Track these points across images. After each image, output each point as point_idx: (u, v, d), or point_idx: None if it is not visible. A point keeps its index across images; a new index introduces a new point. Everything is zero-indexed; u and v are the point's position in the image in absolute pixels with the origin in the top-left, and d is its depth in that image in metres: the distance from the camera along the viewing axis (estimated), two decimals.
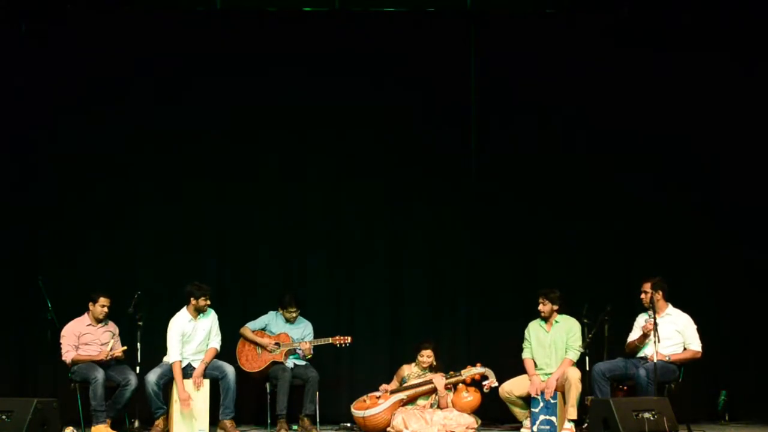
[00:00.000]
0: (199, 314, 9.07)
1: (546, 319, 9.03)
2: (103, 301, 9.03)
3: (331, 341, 9.31)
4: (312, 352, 9.28)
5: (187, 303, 9.09)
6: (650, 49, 10.16)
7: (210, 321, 9.12)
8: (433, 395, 9.05)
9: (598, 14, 10.23)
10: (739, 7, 10.06)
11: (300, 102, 10.18)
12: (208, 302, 9.07)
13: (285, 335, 9.35)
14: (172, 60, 10.10)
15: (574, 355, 8.89)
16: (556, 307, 8.98)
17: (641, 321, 8.95)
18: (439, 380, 9.01)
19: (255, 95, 10.16)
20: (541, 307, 8.99)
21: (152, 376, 8.88)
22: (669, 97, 10.16)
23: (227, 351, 9.26)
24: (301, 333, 9.42)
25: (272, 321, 9.45)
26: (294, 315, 9.41)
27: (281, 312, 9.45)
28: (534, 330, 9.07)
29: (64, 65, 10.04)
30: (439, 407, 8.96)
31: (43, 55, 10.04)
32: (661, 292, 8.81)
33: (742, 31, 10.10)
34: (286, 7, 10.25)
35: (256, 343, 9.33)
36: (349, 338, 9.32)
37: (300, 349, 9.28)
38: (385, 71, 10.20)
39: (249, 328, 9.42)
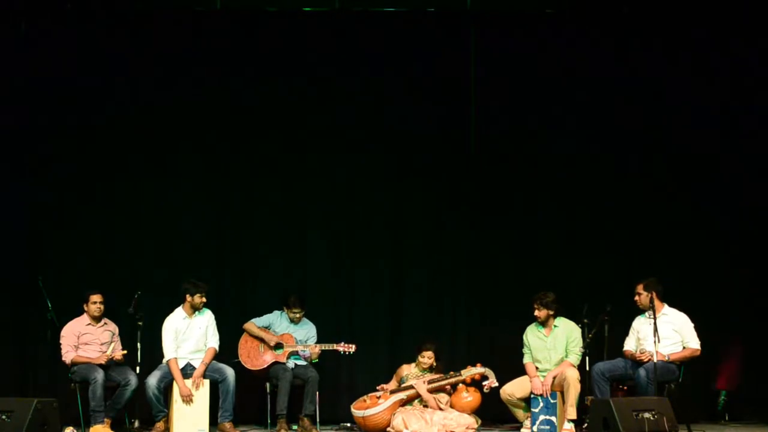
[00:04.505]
0: (194, 312, 9.08)
1: (543, 324, 9.01)
2: (94, 298, 9.04)
3: (335, 347, 9.29)
4: (319, 356, 9.29)
5: (183, 301, 9.10)
6: (649, 47, 10.16)
7: (206, 319, 9.13)
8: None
9: (598, 13, 10.23)
10: (738, 8, 10.08)
11: (300, 102, 10.19)
12: (204, 300, 9.08)
13: (289, 336, 9.34)
14: (172, 60, 10.10)
15: (575, 359, 8.88)
16: (551, 312, 8.97)
17: (638, 324, 8.95)
18: (421, 386, 8.99)
19: (255, 95, 10.16)
20: (536, 313, 8.96)
21: (153, 380, 8.87)
22: (669, 96, 10.17)
23: (226, 351, 9.26)
24: (305, 335, 9.41)
25: (276, 320, 9.44)
26: (298, 315, 9.39)
27: (286, 312, 9.45)
28: (532, 336, 9.05)
29: (64, 65, 10.04)
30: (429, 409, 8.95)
31: (43, 55, 10.03)
32: (654, 293, 8.80)
33: (742, 31, 10.11)
34: (286, 7, 10.26)
35: (260, 338, 9.31)
36: (354, 346, 9.28)
37: (306, 352, 9.25)
38: (385, 71, 10.20)
39: (255, 324, 9.41)
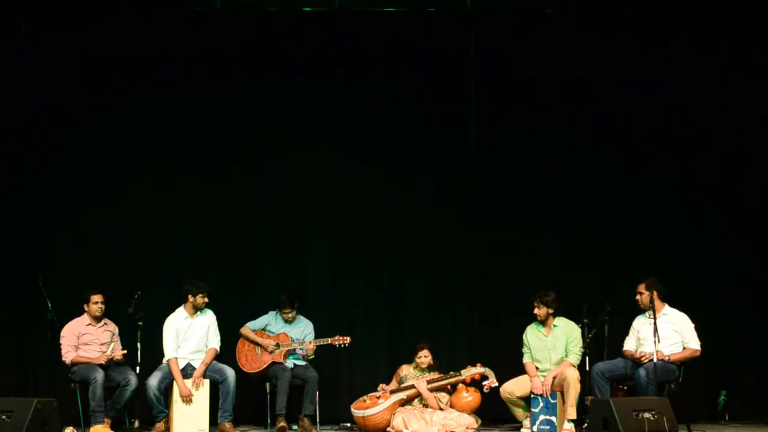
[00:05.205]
0: (196, 312, 9.08)
1: (543, 323, 9.01)
2: (95, 298, 9.04)
3: (330, 341, 9.30)
4: (314, 352, 9.28)
5: (185, 301, 9.10)
6: (649, 47, 10.17)
7: (207, 320, 9.12)
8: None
9: (598, 13, 10.23)
10: (739, 8, 10.08)
11: (300, 102, 10.20)
12: (206, 300, 9.08)
13: (284, 335, 9.34)
14: (172, 60, 10.10)
15: (575, 359, 8.88)
16: (551, 311, 8.96)
17: (638, 324, 8.95)
18: (421, 384, 8.99)
19: (255, 95, 10.17)
20: (536, 311, 8.97)
21: (153, 381, 8.87)
22: (669, 96, 10.17)
23: (226, 351, 9.26)
24: (302, 333, 9.41)
25: (272, 321, 9.44)
26: (290, 316, 9.38)
27: (279, 313, 9.45)
28: (532, 335, 9.04)
29: (64, 65, 10.04)
30: (429, 408, 8.95)
31: (43, 55, 10.04)
32: (656, 293, 8.80)
33: (742, 28, 10.11)
34: (286, 7, 10.26)
35: (256, 343, 9.33)
36: (348, 338, 9.29)
37: (302, 349, 9.27)
38: (385, 71, 10.21)
39: (249, 328, 9.41)
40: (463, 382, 9.03)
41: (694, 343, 8.80)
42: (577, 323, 8.96)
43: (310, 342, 9.28)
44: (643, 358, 8.63)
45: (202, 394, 8.93)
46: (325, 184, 10.20)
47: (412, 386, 9.03)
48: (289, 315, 9.37)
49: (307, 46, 10.20)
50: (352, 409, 9.16)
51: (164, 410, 8.91)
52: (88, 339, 9.03)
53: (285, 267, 10.13)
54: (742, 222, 10.10)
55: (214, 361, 9.05)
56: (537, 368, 8.95)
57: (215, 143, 10.16)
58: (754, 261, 10.03)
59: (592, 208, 10.14)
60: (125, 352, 9.02)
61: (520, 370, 9.04)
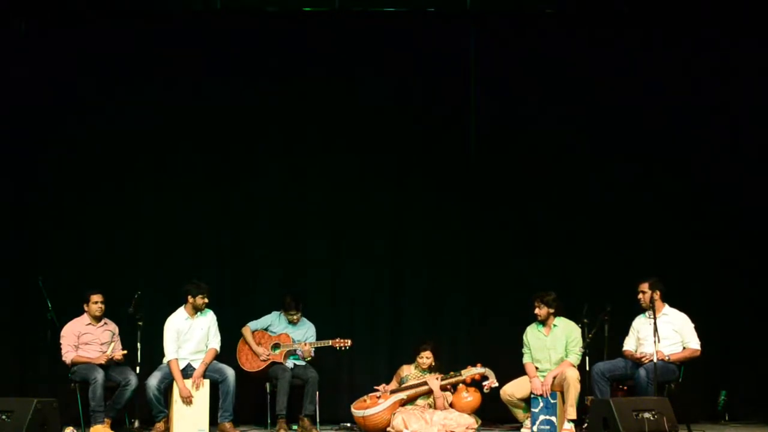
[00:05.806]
0: (196, 313, 9.08)
1: (543, 323, 9.01)
2: (95, 298, 9.04)
3: (331, 344, 9.29)
4: (312, 354, 9.28)
5: (185, 302, 9.10)
6: (650, 47, 10.17)
7: (208, 320, 9.12)
8: (432, 395, 9.04)
9: (598, 13, 10.23)
10: (738, 8, 10.09)
11: (300, 102, 10.19)
12: (206, 300, 9.07)
13: (285, 336, 9.34)
14: (172, 60, 10.10)
15: (575, 359, 8.88)
16: (551, 310, 8.96)
17: (638, 324, 8.96)
18: (434, 382, 8.99)
19: (255, 95, 10.17)
20: (536, 311, 8.97)
21: (153, 381, 8.87)
22: (668, 96, 10.17)
23: (226, 351, 9.25)
24: (303, 334, 9.40)
25: (275, 321, 9.43)
26: (295, 318, 9.38)
27: (283, 314, 9.44)
28: (532, 335, 9.04)
29: (64, 65, 10.04)
30: (435, 407, 8.95)
31: (43, 54, 10.04)
32: (658, 293, 8.80)
33: (742, 27, 10.11)
34: (286, 7, 10.26)
35: (251, 348, 9.31)
36: (349, 341, 9.28)
37: (300, 351, 9.27)
38: (384, 71, 10.21)
39: (250, 329, 9.40)
40: (464, 382, 9.04)
41: (694, 343, 8.80)
42: (577, 323, 8.96)
43: (305, 344, 9.27)
44: (643, 359, 8.63)
45: (202, 394, 8.93)
46: (325, 184, 10.20)
47: (425, 383, 9.01)
48: (295, 317, 9.37)
49: (307, 46, 10.20)
50: (352, 409, 9.16)
51: (164, 410, 8.91)
52: (88, 339, 9.03)
53: (285, 267, 10.12)
54: (742, 222, 10.10)
55: (214, 361, 9.05)
56: (537, 368, 8.95)
57: (215, 143, 10.15)
58: (754, 261, 10.03)
59: (592, 208, 10.14)
60: (125, 352, 9.03)
61: (520, 370, 9.04)
